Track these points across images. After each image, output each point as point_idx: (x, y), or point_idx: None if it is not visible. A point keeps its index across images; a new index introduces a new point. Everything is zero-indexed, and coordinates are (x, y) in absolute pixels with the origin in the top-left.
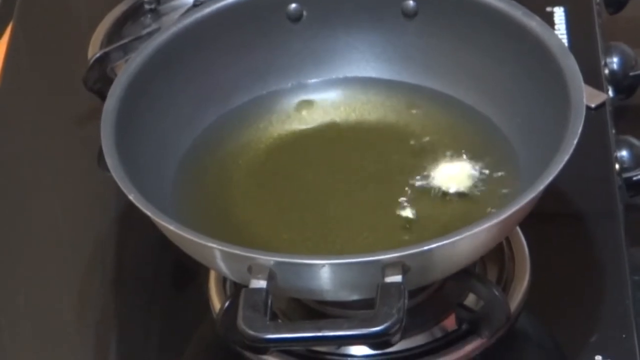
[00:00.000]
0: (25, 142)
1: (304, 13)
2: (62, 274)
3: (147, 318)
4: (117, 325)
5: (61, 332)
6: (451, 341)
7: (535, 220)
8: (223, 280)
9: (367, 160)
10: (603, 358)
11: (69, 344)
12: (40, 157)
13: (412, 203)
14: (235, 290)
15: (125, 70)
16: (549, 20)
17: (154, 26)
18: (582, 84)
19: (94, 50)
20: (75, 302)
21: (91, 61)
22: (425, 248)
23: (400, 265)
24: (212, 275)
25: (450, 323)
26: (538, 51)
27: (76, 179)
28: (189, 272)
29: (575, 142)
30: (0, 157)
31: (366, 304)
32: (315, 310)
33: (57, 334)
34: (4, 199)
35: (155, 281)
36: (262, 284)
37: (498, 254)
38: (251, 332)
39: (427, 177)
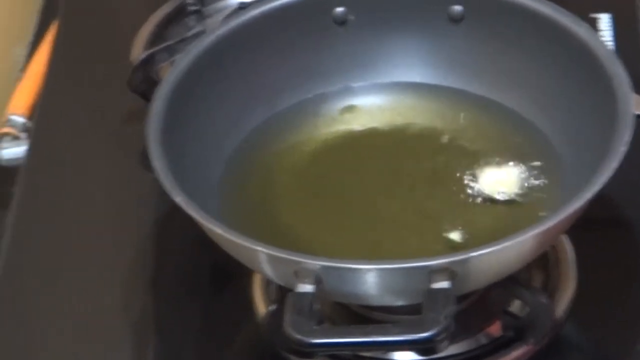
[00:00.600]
0: (68, 143)
1: (350, 17)
2: (104, 273)
3: (187, 319)
4: (157, 326)
5: (102, 332)
6: (496, 348)
7: (581, 226)
8: (267, 284)
9: (412, 165)
10: None
11: (110, 343)
12: (84, 157)
13: (459, 209)
14: (280, 294)
15: (172, 72)
16: (593, 26)
17: (198, 28)
18: (631, 91)
19: (137, 52)
20: (116, 302)
21: (136, 63)
22: (473, 254)
23: (448, 271)
24: (256, 278)
25: (495, 329)
26: (585, 58)
27: (118, 179)
28: (231, 273)
29: (623, 150)
30: (45, 158)
31: (411, 310)
32: (359, 314)
33: (98, 333)
34: (48, 199)
35: (196, 282)
36: (308, 288)
37: (544, 260)
38: (298, 337)
39: (473, 182)
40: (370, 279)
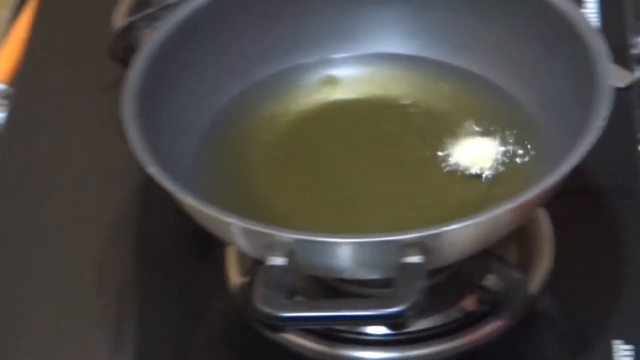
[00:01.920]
0: (49, 111)
1: None
2: (82, 244)
3: (165, 289)
4: (136, 297)
5: (80, 304)
6: (470, 322)
7: (558, 199)
8: (241, 256)
9: (391, 137)
10: (623, 342)
11: (88, 316)
12: (64, 126)
13: (436, 181)
14: (253, 266)
15: (150, 41)
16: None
17: None
18: (610, 66)
19: (119, 19)
20: (94, 273)
21: (116, 31)
22: (446, 229)
23: (420, 246)
24: (230, 251)
25: (469, 304)
26: (565, 30)
27: (99, 148)
28: (209, 244)
29: (601, 125)
30: (23, 126)
31: (385, 283)
32: (333, 287)
33: (77, 305)
34: (26, 167)
35: (176, 250)
36: (281, 261)
37: (519, 234)
38: (268, 310)
39: (451, 155)
40: (342, 253)
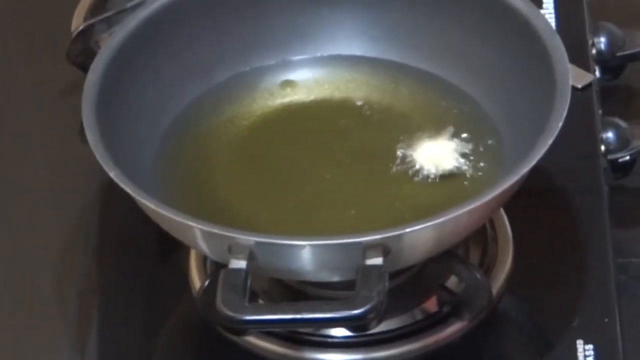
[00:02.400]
0: (6, 114)
1: None
2: (43, 246)
3: (128, 291)
4: (98, 299)
5: (41, 305)
6: (432, 323)
7: (519, 200)
8: (203, 258)
9: (350, 139)
10: (584, 342)
11: (49, 316)
12: (23, 129)
13: (395, 183)
14: (215, 269)
15: (108, 45)
16: None
17: None
18: (568, 66)
19: (77, 23)
20: (55, 275)
21: (74, 34)
22: (407, 230)
23: (381, 248)
24: (192, 253)
25: (431, 305)
26: (524, 31)
27: (58, 151)
28: (171, 247)
29: (559, 125)
30: None
31: (348, 284)
32: (296, 290)
33: (37, 306)
34: None
35: (137, 255)
36: (241, 264)
37: (481, 235)
38: (229, 313)
39: (410, 156)
40: (303, 255)
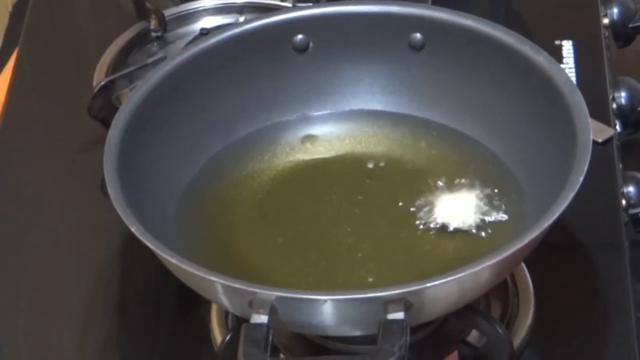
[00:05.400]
0: (29, 169)
1: (310, 44)
2: (64, 301)
3: (149, 346)
4: (119, 354)
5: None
6: None
7: (540, 255)
8: (225, 313)
9: (371, 194)
10: None
11: None
12: (44, 184)
13: (415, 238)
14: (236, 323)
15: (129, 100)
16: (558, 53)
17: (160, 54)
18: (589, 121)
19: (99, 78)
20: (76, 330)
21: (96, 89)
22: (428, 285)
23: (403, 302)
24: (214, 308)
25: None
26: (545, 86)
27: (80, 206)
28: (193, 301)
29: (580, 179)
30: (5, 184)
31: (369, 339)
32: (318, 344)
33: None
34: (8, 225)
35: (158, 310)
36: (263, 318)
37: (502, 289)
38: None
39: (432, 211)
40: (325, 310)
